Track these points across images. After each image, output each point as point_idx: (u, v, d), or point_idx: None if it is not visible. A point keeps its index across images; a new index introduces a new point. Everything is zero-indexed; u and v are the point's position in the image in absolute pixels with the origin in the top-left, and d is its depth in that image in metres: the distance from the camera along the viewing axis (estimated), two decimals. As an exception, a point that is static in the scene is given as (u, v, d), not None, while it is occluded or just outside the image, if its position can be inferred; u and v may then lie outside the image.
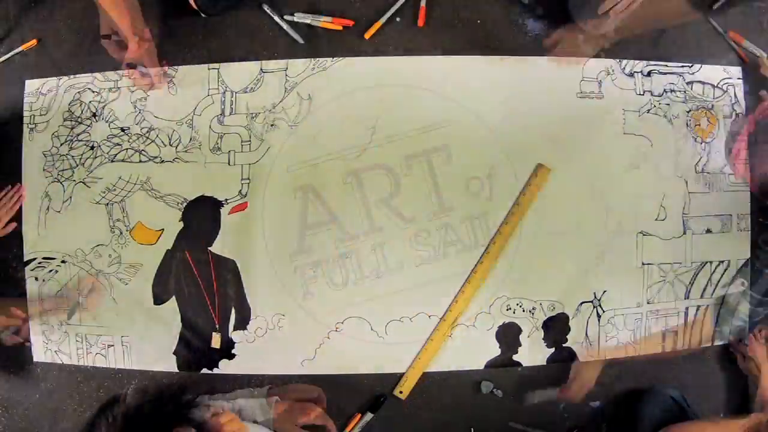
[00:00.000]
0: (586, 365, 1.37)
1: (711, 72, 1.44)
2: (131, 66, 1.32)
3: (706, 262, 1.43)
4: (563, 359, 1.40)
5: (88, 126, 1.42)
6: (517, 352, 1.40)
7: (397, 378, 1.39)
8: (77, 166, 1.41)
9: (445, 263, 1.38)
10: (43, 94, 1.43)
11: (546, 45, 1.38)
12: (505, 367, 1.40)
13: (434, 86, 1.39)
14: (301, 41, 1.39)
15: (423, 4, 1.38)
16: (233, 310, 1.40)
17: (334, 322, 1.39)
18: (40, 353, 1.43)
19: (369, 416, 1.38)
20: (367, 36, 1.38)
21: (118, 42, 1.32)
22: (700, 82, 1.44)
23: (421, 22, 1.39)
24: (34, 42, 1.44)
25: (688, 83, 1.44)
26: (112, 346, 1.41)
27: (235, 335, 1.39)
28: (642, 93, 1.42)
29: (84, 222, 1.41)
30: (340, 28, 1.39)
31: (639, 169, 1.41)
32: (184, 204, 1.40)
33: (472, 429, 1.39)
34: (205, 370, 1.40)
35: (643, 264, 1.41)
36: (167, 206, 1.40)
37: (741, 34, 1.43)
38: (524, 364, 1.40)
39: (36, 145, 1.43)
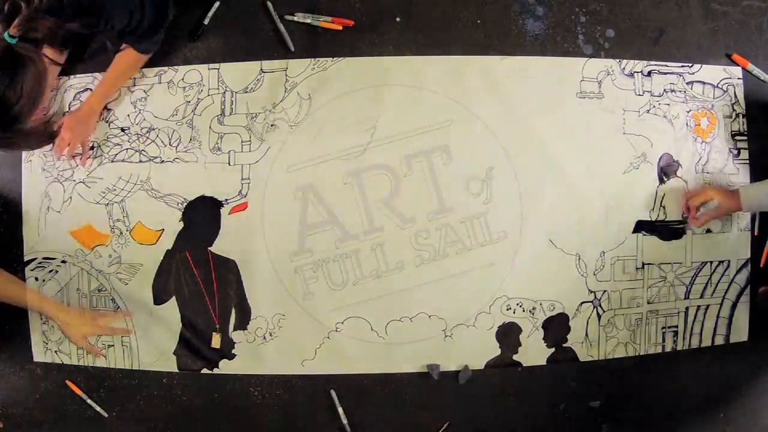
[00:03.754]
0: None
1: (711, 72, 1.44)
2: None
3: (706, 262, 1.43)
4: (563, 359, 1.40)
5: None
6: (517, 352, 1.40)
7: (398, 378, 1.39)
8: (77, 166, 1.41)
9: (445, 263, 1.38)
10: (43, 94, 1.43)
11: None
12: (505, 367, 1.40)
13: (434, 86, 1.39)
14: (293, 49, 1.39)
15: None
16: (233, 310, 1.40)
17: (334, 322, 1.39)
18: (40, 353, 1.43)
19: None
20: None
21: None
22: (700, 82, 1.44)
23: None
24: (34, 42, 1.44)
25: (688, 83, 1.44)
26: (112, 346, 1.41)
27: (235, 335, 1.39)
28: (642, 93, 1.42)
29: (84, 222, 1.41)
30: (340, 28, 1.39)
31: (639, 169, 1.41)
32: (184, 204, 1.40)
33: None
34: (205, 370, 1.40)
35: (643, 264, 1.41)
36: (167, 206, 1.40)
37: (743, 54, 1.44)
38: (524, 364, 1.40)
39: (36, 145, 1.43)
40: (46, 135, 1.12)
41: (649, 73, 1.43)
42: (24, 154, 1.42)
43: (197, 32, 1.39)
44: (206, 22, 1.39)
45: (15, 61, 0.97)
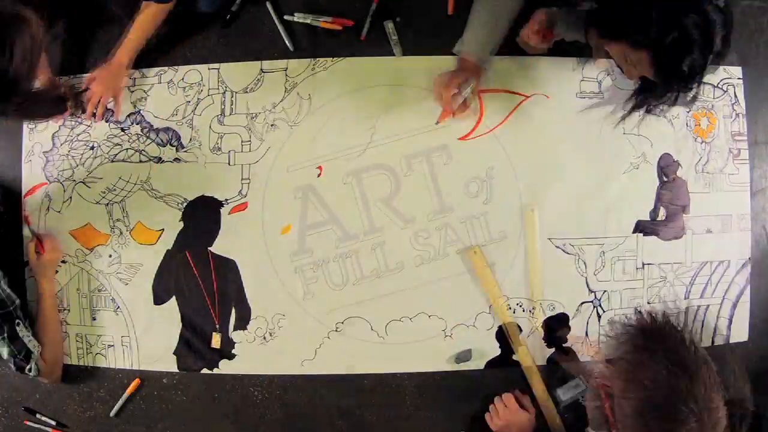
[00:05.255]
0: None
1: (711, 72, 1.44)
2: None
3: (706, 262, 1.43)
4: (563, 359, 1.40)
5: (88, 126, 1.42)
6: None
7: (398, 378, 1.39)
8: (77, 166, 1.41)
9: (445, 263, 1.38)
10: (43, 94, 1.43)
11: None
12: (505, 367, 1.40)
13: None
14: (291, 48, 1.39)
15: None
16: (233, 310, 1.40)
17: (334, 322, 1.38)
18: (40, 353, 1.43)
19: None
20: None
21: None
22: (700, 82, 1.44)
23: (451, 10, 1.38)
24: (34, 42, 1.43)
25: (688, 83, 1.43)
26: (112, 346, 1.41)
27: (235, 335, 1.39)
28: (642, 93, 1.42)
29: (84, 222, 1.41)
30: (340, 28, 1.39)
31: (639, 169, 1.41)
32: (184, 204, 1.40)
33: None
34: (205, 370, 1.40)
35: (643, 264, 1.41)
36: (167, 206, 1.40)
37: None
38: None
39: (36, 145, 1.43)
40: (57, 99, 1.09)
41: (649, 73, 1.42)
42: (24, 153, 1.42)
43: (227, 19, 1.39)
44: (234, 8, 1.39)
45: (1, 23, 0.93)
